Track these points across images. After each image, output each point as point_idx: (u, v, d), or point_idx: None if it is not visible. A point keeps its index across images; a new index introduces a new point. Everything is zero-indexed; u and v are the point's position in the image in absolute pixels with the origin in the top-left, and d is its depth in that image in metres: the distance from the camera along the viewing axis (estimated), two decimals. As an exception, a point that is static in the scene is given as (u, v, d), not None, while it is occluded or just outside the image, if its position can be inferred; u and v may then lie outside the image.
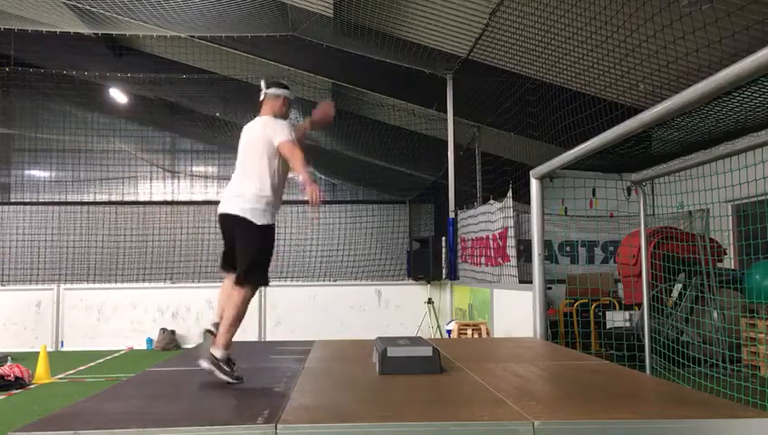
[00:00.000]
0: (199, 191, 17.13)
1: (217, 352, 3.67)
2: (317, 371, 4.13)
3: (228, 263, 3.94)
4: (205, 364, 3.69)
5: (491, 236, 8.85)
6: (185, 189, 17.21)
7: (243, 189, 3.83)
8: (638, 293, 7.18)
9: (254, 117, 4.13)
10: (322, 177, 17.59)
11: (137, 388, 3.73)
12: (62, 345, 11.00)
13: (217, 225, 3.97)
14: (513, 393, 3.25)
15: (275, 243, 3.87)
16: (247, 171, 3.89)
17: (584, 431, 2.70)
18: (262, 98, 4.10)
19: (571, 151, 5.12)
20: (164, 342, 10.81)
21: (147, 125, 16.68)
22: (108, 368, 9.00)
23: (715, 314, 7.35)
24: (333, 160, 16.28)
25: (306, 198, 3.66)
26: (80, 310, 11.20)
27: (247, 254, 3.76)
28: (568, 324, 9.29)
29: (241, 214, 3.76)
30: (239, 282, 3.73)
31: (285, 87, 4.17)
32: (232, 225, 3.83)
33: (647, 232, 6.42)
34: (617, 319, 8.84)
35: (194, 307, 11.37)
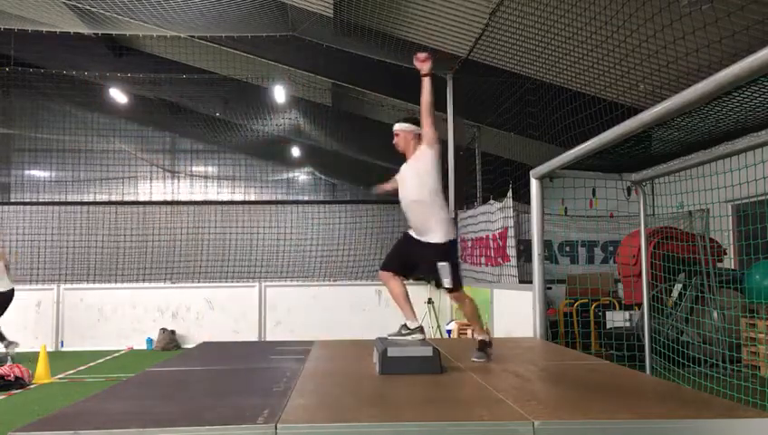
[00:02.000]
0: (199, 191, 17.12)
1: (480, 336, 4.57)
2: (317, 371, 4.13)
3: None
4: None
5: (491, 236, 8.85)
6: (185, 189, 17.21)
7: None
8: (638, 293, 7.18)
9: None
10: (322, 177, 17.59)
11: (137, 388, 3.73)
12: (62, 345, 10.99)
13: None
14: (513, 393, 3.25)
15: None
16: None
17: (584, 431, 2.69)
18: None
19: (571, 151, 5.12)
20: (164, 342, 10.81)
21: (147, 125, 16.68)
22: (108, 368, 8.99)
23: (715, 314, 7.34)
24: (333, 160, 16.28)
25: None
26: (80, 310, 11.19)
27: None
28: (568, 324, 9.29)
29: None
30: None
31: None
32: None
33: (647, 232, 6.42)
34: (617, 319, 8.83)
35: (194, 307, 11.37)
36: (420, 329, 4.42)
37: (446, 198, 4.90)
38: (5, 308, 9.44)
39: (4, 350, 9.20)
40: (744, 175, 5.03)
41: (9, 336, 9.42)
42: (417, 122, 4.47)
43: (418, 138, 4.44)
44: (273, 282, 12.32)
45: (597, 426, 2.71)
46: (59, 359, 9.47)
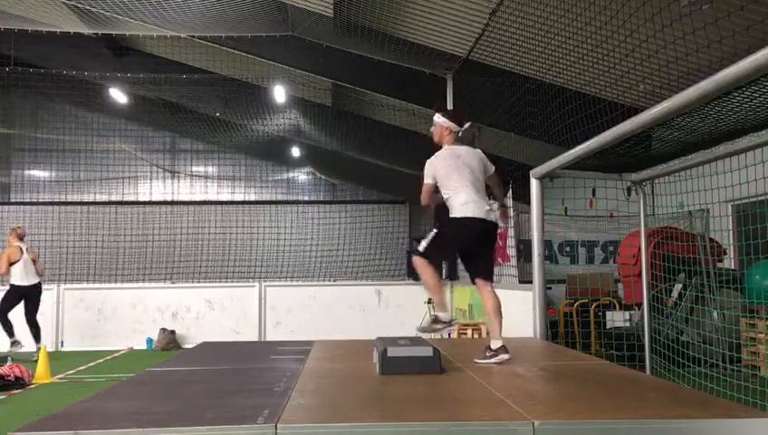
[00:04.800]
0: (199, 191, 17.14)
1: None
2: (317, 371, 4.13)
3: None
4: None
5: (491, 236, 8.83)
6: (185, 189, 17.22)
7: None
8: (638, 293, 7.18)
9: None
10: (323, 177, 17.61)
11: (137, 388, 3.73)
12: (62, 345, 10.99)
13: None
14: (513, 393, 3.25)
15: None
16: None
17: (584, 431, 2.69)
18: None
19: (571, 151, 5.12)
20: (164, 342, 10.81)
21: (147, 125, 16.70)
22: (108, 368, 8.99)
23: (715, 314, 7.34)
24: (333, 160, 16.29)
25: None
26: (80, 310, 11.19)
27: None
28: (568, 324, 9.30)
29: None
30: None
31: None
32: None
33: (647, 232, 6.42)
34: (617, 319, 8.84)
35: (194, 307, 11.37)
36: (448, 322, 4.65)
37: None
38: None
39: (8, 348, 9.29)
40: (744, 175, 5.03)
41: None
42: (452, 117, 4.61)
43: (449, 132, 4.59)
44: (273, 282, 12.33)
45: (597, 426, 2.71)
46: (59, 359, 9.47)
